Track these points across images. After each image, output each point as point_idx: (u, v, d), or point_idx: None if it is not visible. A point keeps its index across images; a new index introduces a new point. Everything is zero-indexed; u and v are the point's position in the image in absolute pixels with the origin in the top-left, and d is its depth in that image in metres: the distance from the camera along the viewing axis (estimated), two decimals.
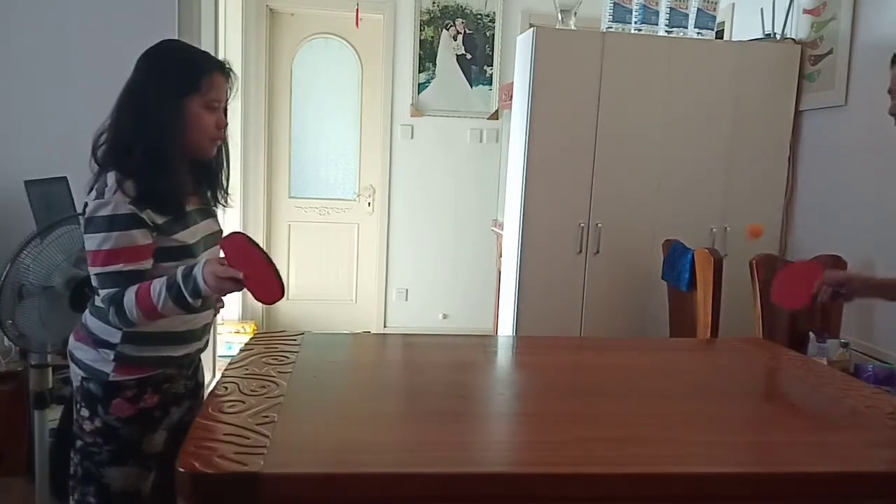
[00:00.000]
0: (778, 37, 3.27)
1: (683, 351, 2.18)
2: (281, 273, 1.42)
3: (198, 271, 1.40)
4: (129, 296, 1.40)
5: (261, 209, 4.69)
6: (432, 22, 4.63)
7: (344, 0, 4.49)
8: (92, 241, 1.42)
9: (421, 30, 4.62)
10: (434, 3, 4.61)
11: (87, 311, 1.58)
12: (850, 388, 1.67)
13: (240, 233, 1.47)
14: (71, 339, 1.58)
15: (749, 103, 3.21)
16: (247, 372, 1.57)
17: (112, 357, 1.50)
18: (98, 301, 1.51)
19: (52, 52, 3.00)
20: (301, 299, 4.86)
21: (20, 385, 2.50)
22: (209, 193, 1.65)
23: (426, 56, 4.65)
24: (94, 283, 1.47)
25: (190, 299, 1.41)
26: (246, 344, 1.82)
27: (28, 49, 3.00)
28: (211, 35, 3.37)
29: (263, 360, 1.66)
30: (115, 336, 1.50)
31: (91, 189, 1.46)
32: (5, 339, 1.98)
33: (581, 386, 1.68)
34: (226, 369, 1.61)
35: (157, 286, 1.41)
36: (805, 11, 3.21)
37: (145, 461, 1.54)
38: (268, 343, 1.81)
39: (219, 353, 3.85)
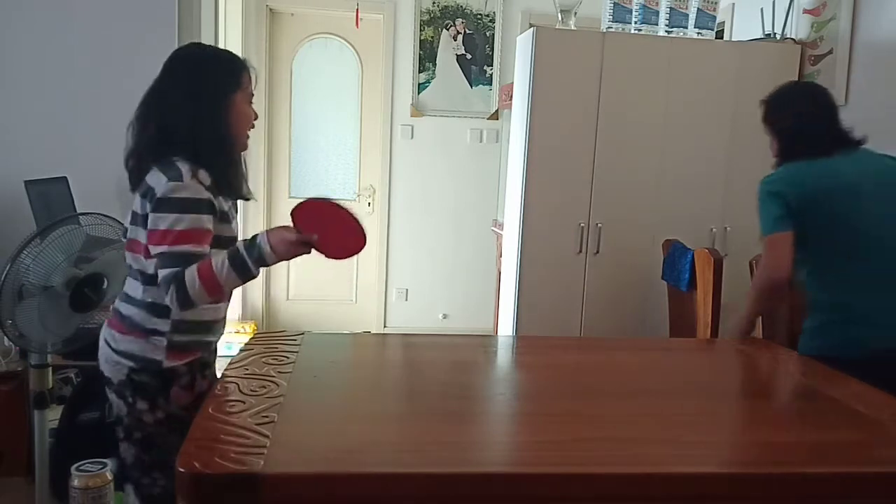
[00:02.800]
0: (778, 37, 3.27)
1: (683, 351, 2.18)
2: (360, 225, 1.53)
3: (262, 240, 1.48)
4: (191, 272, 1.45)
5: (261, 209, 4.68)
6: (432, 22, 4.63)
7: (344, 0, 4.49)
8: (164, 221, 1.47)
9: (421, 30, 4.62)
10: (434, 3, 4.61)
11: (121, 303, 1.61)
12: (850, 388, 1.67)
13: (307, 200, 1.54)
14: (110, 332, 1.60)
15: (749, 103, 3.18)
16: (247, 372, 1.57)
17: (165, 343, 1.56)
18: (134, 290, 1.56)
19: (52, 52, 3.00)
20: (301, 299, 4.86)
21: (20, 385, 2.50)
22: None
23: (426, 56, 4.65)
24: (155, 263, 1.49)
25: (253, 268, 1.48)
26: (246, 344, 1.82)
27: (28, 49, 3.00)
28: (211, 35, 3.37)
29: (263, 360, 1.66)
30: (163, 325, 1.56)
31: (136, 179, 1.55)
32: (5, 339, 1.99)
33: (581, 386, 1.68)
34: (226, 369, 1.61)
35: (219, 259, 1.47)
36: (805, 11, 3.21)
37: None
38: (268, 343, 1.81)
39: (219, 353, 3.84)
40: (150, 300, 1.55)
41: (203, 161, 1.53)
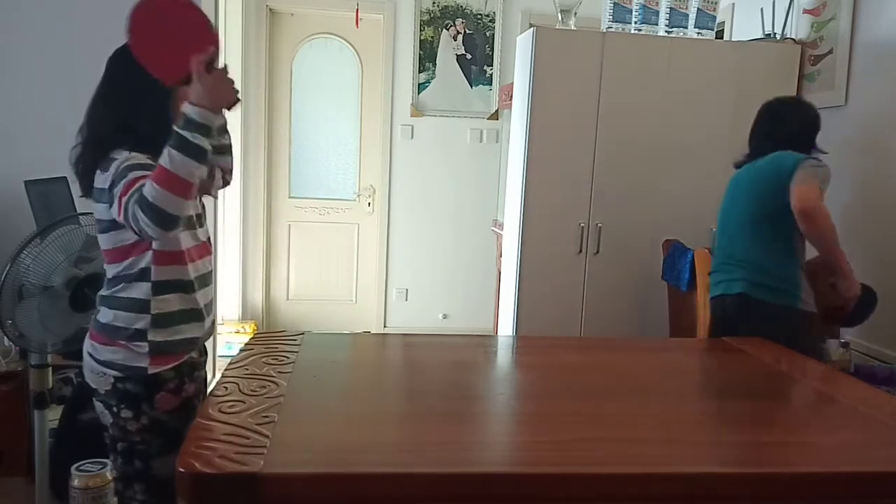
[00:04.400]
0: (778, 37, 3.27)
1: (683, 351, 2.18)
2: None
3: (184, 107, 1.43)
4: (147, 185, 1.39)
5: (261, 209, 4.69)
6: (432, 22, 4.63)
7: (344, 0, 4.49)
8: (118, 188, 1.45)
9: (421, 30, 4.62)
10: (434, 3, 4.61)
11: (101, 312, 1.60)
12: (850, 388, 1.67)
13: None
14: (91, 344, 1.60)
15: (749, 103, 3.19)
16: (247, 372, 1.57)
17: (147, 350, 1.55)
18: (108, 290, 1.56)
19: (52, 52, 3.00)
20: (301, 299, 4.86)
21: (20, 385, 2.50)
22: None
23: (426, 56, 4.65)
24: (120, 217, 1.46)
25: (192, 137, 1.40)
26: (246, 344, 1.82)
27: (28, 49, 3.00)
28: None
29: (263, 360, 1.66)
30: (144, 322, 1.54)
31: (88, 182, 1.55)
32: (5, 339, 1.98)
33: (581, 386, 1.68)
34: (226, 369, 1.61)
35: (162, 154, 1.41)
36: (805, 11, 3.21)
37: None
38: (268, 343, 1.81)
39: (219, 353, 3.85)
40: (126, 296, 1.56)
41: (141, 144, 1.52)
